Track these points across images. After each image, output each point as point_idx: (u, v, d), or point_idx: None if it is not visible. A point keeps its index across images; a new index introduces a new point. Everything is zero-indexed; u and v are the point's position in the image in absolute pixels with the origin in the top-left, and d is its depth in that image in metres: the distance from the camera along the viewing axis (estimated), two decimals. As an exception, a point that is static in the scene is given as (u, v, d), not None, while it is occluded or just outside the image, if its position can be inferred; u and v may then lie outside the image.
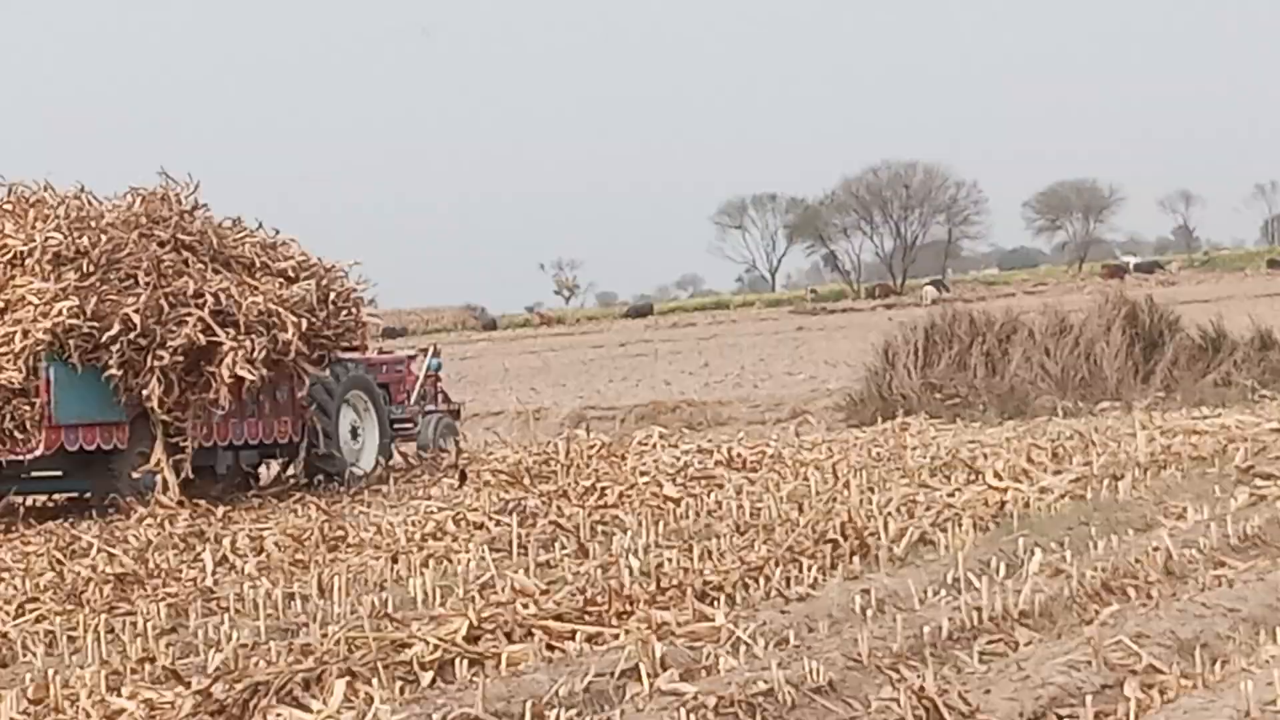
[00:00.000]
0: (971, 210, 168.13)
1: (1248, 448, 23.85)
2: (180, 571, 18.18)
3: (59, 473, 24.51)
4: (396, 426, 28.89)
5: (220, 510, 23.52)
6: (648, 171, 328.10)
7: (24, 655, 14.09)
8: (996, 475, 22.02)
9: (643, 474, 25.38)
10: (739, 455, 27.35)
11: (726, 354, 64.41)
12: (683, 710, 11.06)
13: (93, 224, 24.49)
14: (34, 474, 24.47)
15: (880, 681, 11.69)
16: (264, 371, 24.91)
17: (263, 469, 27.19)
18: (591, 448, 30.55)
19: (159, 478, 23.93)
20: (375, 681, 12.12)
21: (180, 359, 23.96)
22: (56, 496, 25.17)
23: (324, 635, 13.65)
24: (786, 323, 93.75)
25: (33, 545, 20.58)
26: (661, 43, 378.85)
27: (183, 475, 24.29)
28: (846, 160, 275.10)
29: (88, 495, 24.21)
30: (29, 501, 24.83)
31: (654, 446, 30.33)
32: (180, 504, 23.28)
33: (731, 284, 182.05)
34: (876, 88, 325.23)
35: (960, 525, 18.28)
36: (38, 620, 15.42)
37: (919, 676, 11.14)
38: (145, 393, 23.72)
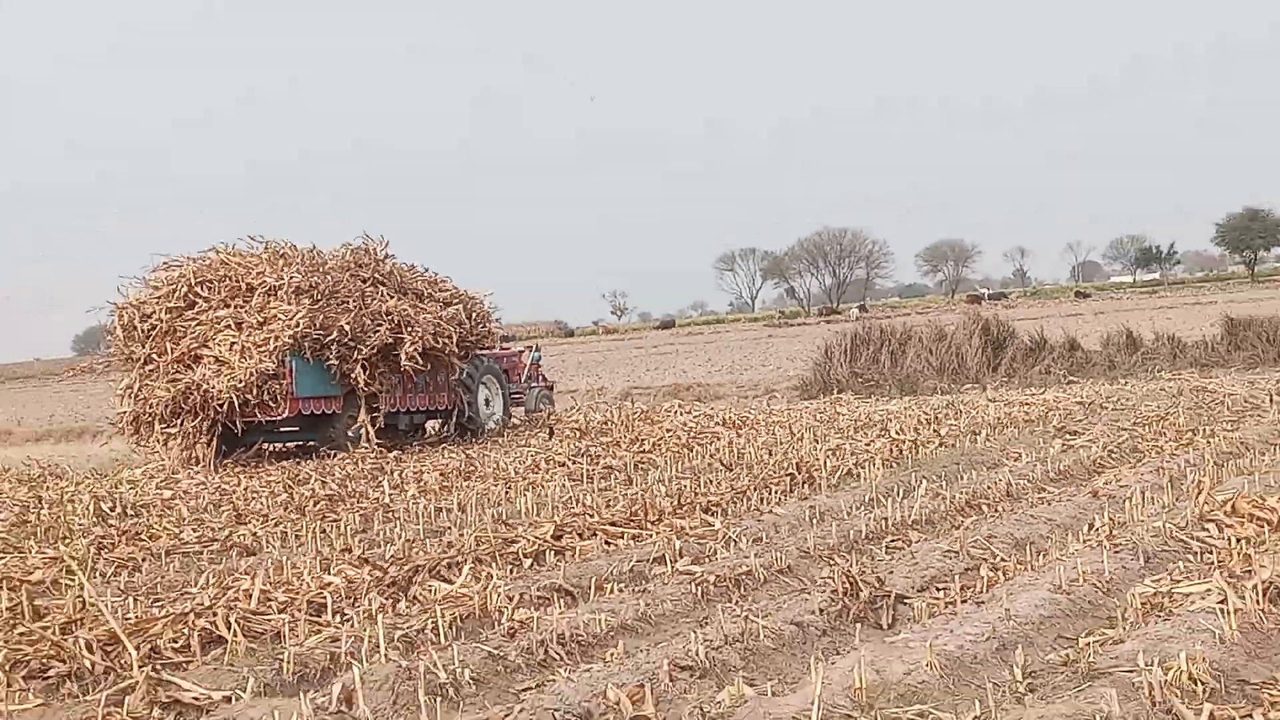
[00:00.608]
0: (881, 259, 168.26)
1: (1060, 414, 23.83)
2: (368, 493, 18.29)
3: (296, 428, 24.80)
4: (512, 398, 29.10)
5: (395, 453, 23.65)
6: (672, 229, 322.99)
7: (267, 547, 14.31)
8: (897, 432, 22.05)
9: (667, 430, 25.39)
10: (730, 418, 27.26)
11: (722, 353, 63.86)
12: (693, 585, 11.36)
13: (320, 268, 24.85)
14: (281, 429, 24.85)
15: (822, 565, 11.93)
16: (427, 365, 25.45)
17: (427, 426, 27.34)
18: (634, 414, 30.44)
19: (362, 432, 24.33)
20: (493, 565, 12.39)
21: (375, 354, 24.33)
22: (291, 445, 25.35)
23: (460, 535, 13.88)
24: (762, 333, 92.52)
25: (272, 476, 20.69)
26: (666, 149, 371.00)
27: (376, 429, 24.72)
28: (801, 226, 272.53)
29: (314, 444, 24.51)
30: (270, 448, 25.05)
31: (674, 413, 30.21)
32: (375, 448, 23.76)
33: (726, 306, 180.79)
34: (823, 175, 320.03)
35: (874, 464, 18.36)
36: (275, 525, 15.65)
37: (846, 562, 11.36)
38: (353, 376, 24.07)
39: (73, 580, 11.96)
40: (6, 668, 9.31)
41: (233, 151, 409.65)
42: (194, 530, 15.50)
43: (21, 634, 10.12)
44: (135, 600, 11.24)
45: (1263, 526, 12.11)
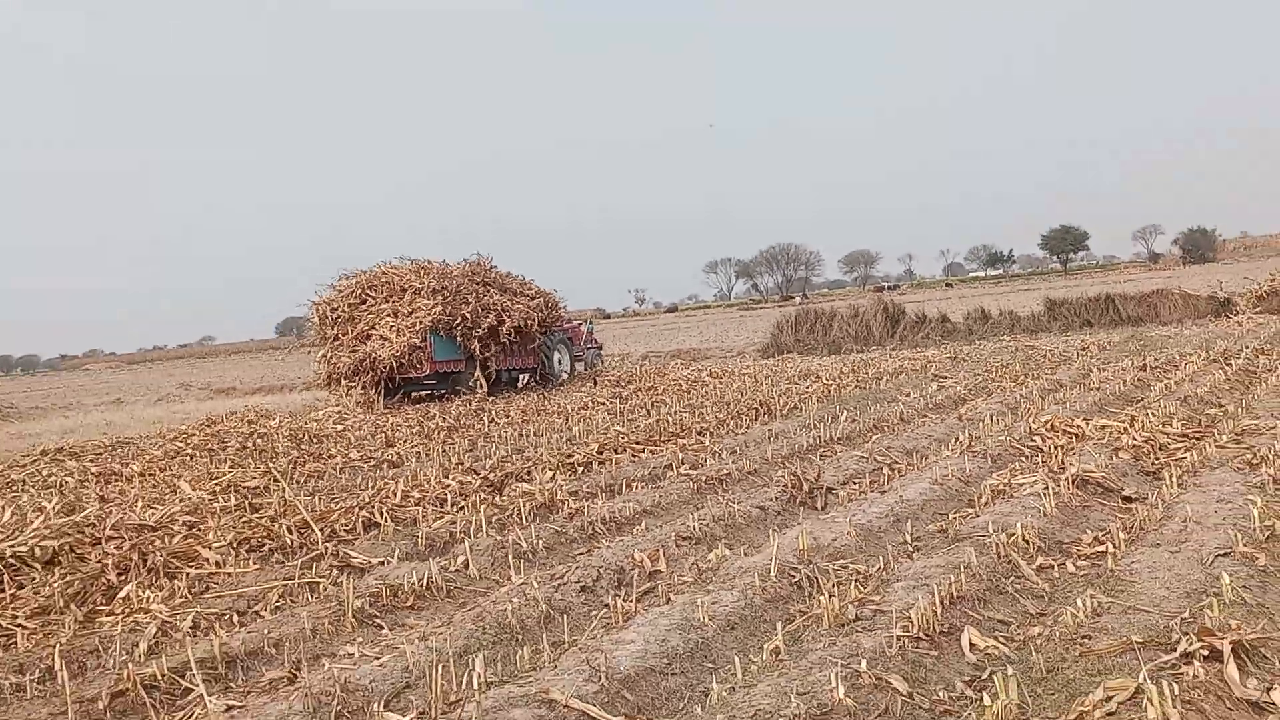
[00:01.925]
0: (815, 263, 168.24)
1: (936, 365, 23.77)
2: (474, 425, 18.35)
3: (434, 382, 25.10)
4: (575, 357, 29.21)
5: (493, 398, 23.72)
6: (676, 240, 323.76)
7: (406, 462, 14.33)
8: (827, 378, 22.05)
9: (673, 380, 25.40)
10: (714, 371, 27.31)
11: (709, 328, 63.85)
12: (691, 483, 11.37)
13: (448, 275, 25.30)
14: (424, 383, 25.12)
15: (777, 469, 11.95)
16: (519, 338, 25.91)
17: (520, 379, 27.45)
18: (650, 370, 30.53)
19: (476, 384, 24.54)
20: (558, 472, 12.42)
21: (485, 332, 24.78)
22: (431, 395, 25.53)
23: (535, 452, 13.93)
24: (737, 315, 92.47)
25: (410, 415, 20.75)
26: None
27: (490, 382, 24.98)
28: (760, 241, 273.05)
29: (445, 392, 24.75)
30: (414, 396, 25.19)
31: (677, 369, 30.29)
32: (483, 395, 24.01)
33: (711, 297, 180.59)
34: (775, 205, 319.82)
35: (811, 400, 18.36)
36: (412, 447, 15.73)
37: (794, 466, 11.39)
38: (471, 347, 24.59)
39: (277, 486, 12.06)
40: (235, 544, 9.40)
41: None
42: (357, 451, 15.57)
43: (244, 521, 10.24)
44: (319, 499, 11.31)
45: (1071, 438, 12.11)
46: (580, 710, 5.27)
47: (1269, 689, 5.07)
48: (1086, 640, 5.77)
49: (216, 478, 13.34)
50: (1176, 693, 4.63)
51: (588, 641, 6.26)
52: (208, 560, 8.95)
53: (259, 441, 17.53)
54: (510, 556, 8.62)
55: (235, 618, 7.60)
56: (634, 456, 13.65)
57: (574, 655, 5.96)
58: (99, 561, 8.74)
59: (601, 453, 13.69)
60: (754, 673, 5.68)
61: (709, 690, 5.59)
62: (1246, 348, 21.00)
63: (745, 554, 8.20)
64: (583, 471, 12.73)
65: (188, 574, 8.59)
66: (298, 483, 12.97)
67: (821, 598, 6.69)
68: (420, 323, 23.94)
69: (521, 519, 10.02)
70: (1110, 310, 34.08)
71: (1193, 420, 12.80)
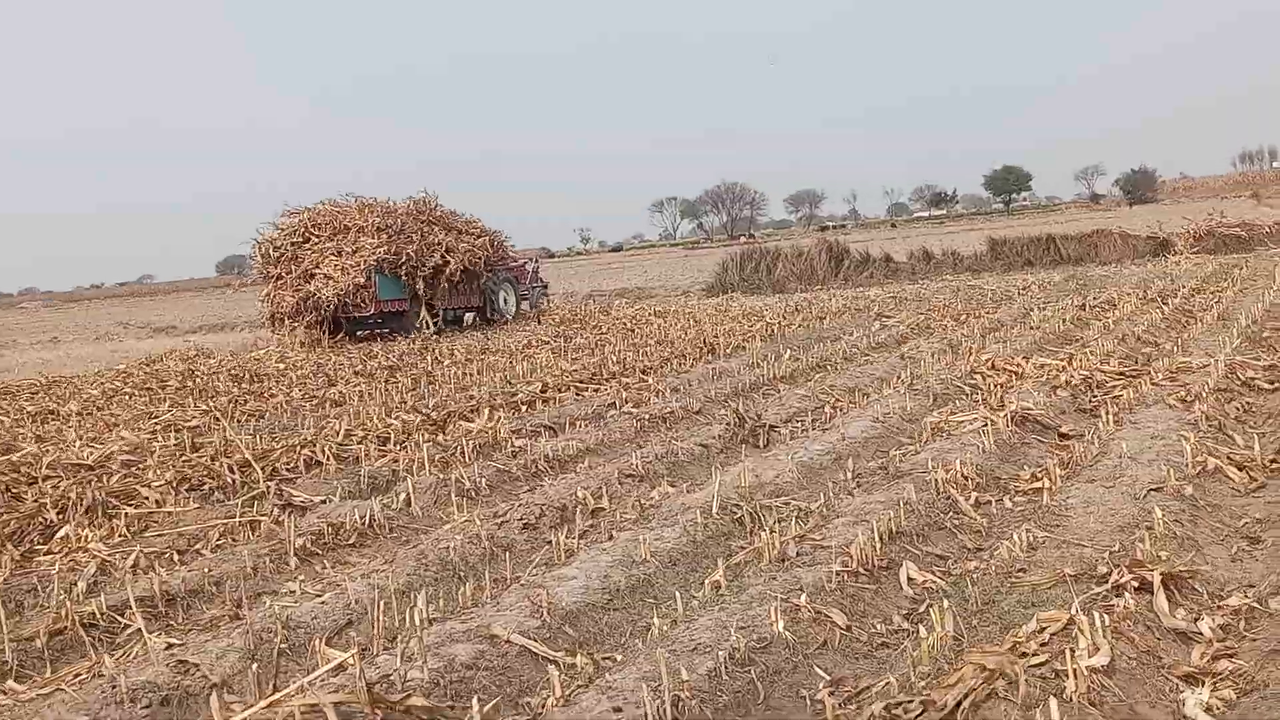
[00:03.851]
0: (761, 203, 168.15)
1: (879, 305, 23.92)
2: (417, 364, 18.25)
3: (378, 322, 24.92)
4: (520, 296, 29.01)
5: (437, 336, 23.58)
6: (622, 179, 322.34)
7: (349, 401, 14.20)
8: (771, 318, 22.10)
9: (617, 319, 25.40)
10: (659, 311, 27.34)
11: (654, 267, 63.75)
12: (634, 421, 11.41)
13: (393, 213, 25.10)
14: (368, 322, 24.93)
15: (720, 407, 11.99)
16: (464, 278, 25.73)
17: (465, 318, 27.22)
18: (595, 308, 30.51)
19: (421, 323, 24.35)
20: (501, 410, 12.41)
21: (430, 271, 24.61)
22: (371, 333, 25.29)
23: (479, 391, 13.90)
24: (682, 255, 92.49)
25: (353, 354, 20.66)
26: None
27: (434, 323, 24.75)
28: (705, 179, 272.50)
29: (389, 331, 24.55)
30: (357, 336, 24.97)
31: (622, 308, 30.28)
32: (433, 333, 23.88)
33: (656, 236, 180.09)
34: (721, 145, 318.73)
35: (755, 339, 18.39)
36: (354, 386, 15.58)
37: (737, 404, 11.43)
38: (416, 286, 24.42)
39: (218, 424, 11.96)
40: (175, 483, 9.33)
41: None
42: (300, 390, 15.47)
43: (184, 460, 10.17)
44: (260, 437, 11.24)
45: (1011, 376, 12.25)
46: (522, 645, 5.30)
47: (1196, 619, 5.19)
48: (1021, 574, 5.88)
49: (156, 417, 13.23)
50: (1107, 623, 4.72)
51: (530, 578, 6.29)
52: (147, 499, 8.88)
53: (199, 380, 17.37)
54: (453, 494, 8.62)
55: (175, 556, 7.56)
56: (578, 395, 13.65)
57: (516, 591, 5.99)
58: (36, 501, 8.66)
59: (545, 391, 13.68)
60: (695, 607, 5.73)
61: (650, 625, 5.64)
62: (1183, 287, 21.29)
63: (688, 491, 8.25)
64: (526, 410, 12.73)
65: (127, 513, 8.52)
66: (239, 422, 12.87)
67: (763, 534, 6.75)
68: (364, 262, 23.72)
69: (465, 457, 10.02)
70: (1051, 250, 34.37)
71: (1130, 359, 12.97)
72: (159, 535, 8.07)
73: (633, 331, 21.71)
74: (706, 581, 6.16)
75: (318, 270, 24.02)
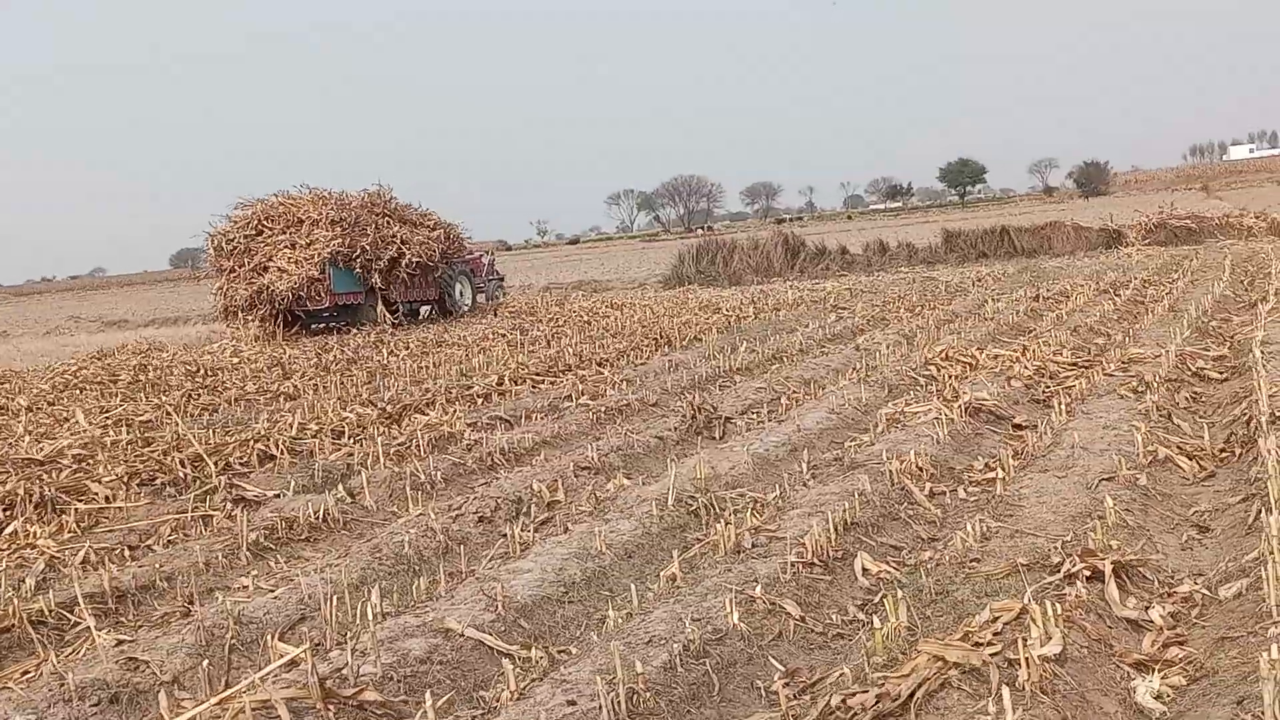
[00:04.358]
0: (718, 194, 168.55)
1: (835, 296, 24.01)
2: (372, 357, 18.15)
3: (333, 315, 24.72)
4: (476, 289, 28.86)
5: (392, 330, 23.40)
6: (579, 172, 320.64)
7: (303, 395, 14.15)
8: (727, 310, 22.12)
9: (573, 312, 25.35)
10: (616, 303, 27.31)
11: (611, 260, 63.68)
12: (590, 413, 11.40)
13: (347, 206, 24.90)
14: (322, 315, 24.71)
15: (676, 399, 11.99)
16: (420, 271, 25.57)
17: (420, 311, 27.04)
18: (551, 301, 30.45)
19: (376, 316, 24.19)
20: (457, 403, 12.38)
21: (385, 264, 24.47)
22: (325, 326, 25.04)
23: (434, 384, 13.84)
24: (639, 247, 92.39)
25: (308, 347, 20.49)
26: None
27: (391, 315, 24.57)
28: (661, 173, 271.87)
29: (344, 324, 24.30)
30: (313, 328, 24.75)
31: (578, 300, 30.22)
32: (390, 326, 23.70)
33: (614, 229, 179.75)
34: (681, 141, 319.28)
35: (711, 332, 18.44)
36: (309, 379, 15.54)
37: (693, 396, 11.42)
38: (371, 279, 24.30)
39: (170, 419, 11.85)
40: (126, 478, 9.23)
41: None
42: (253, 384, 15.37)
43: (136, 455, 10.06)
44: (213, 432, 11.14)
45: (965, 367, 12.33)
46: (476, 639, 5.27)
47: (1148, 608, 5.23)
48: (975, 563, 5.90)
49: (107, 411, 13.08)
50: (1059, 612, 4.74)
51: (485, 571, 6.25)
52: (97, 495, 8.77)
53: (152, 375, 17.20)
54: (408, 488, 8.57)
55: (126, 552, 7.46)
56: (534, 388, 13.62)
57: (471, 585, 5.95)
58: (-16, 497, 8.53)
59: (501, 384, 13.64)
60: (650, 600, 5.72)
61: (605, 618, 5.62)
62: (1135, 279, 21.50)
63: (644, 483, 8.24)
64: (482, 403, 12.69)
65: (77, 509, 8.41)
66: (191, 416, 12.77)
67: (718, 526, 6.74)
68: (319, 254, 23.59)
69: (420, 451, 9.97)
70: (1005, 242, 34.63)
71: (1082, 349, 13.08)
72: (109, 531, 7.97)
73: (589, 324, 21.69)
74: (662, 574, 6.14)
75: (271, 263, 23.87)
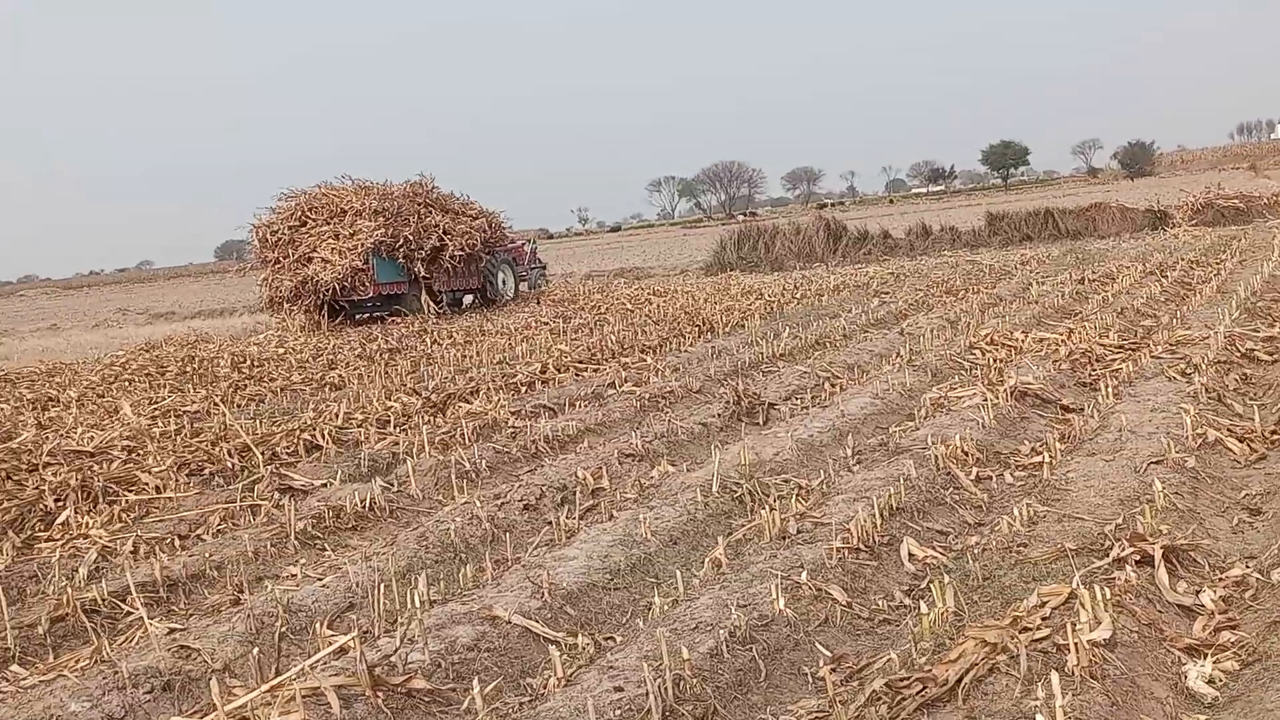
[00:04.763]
0: (759, 180, 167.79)
1: (878, 281, 23.87)
2: (416, 346, 18.24)
3: (377, 305, 24.82)
4: (519, 278, 28.85)
5: (436, 318, 23.43)
6: (620, 159, 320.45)
7: (349, 384, 14.25)
8: (770, 295, 22.04)
9: (616, 299, 25.34)
10: (658, 290, 27.25)
11: (652, 247, 63.61)
12: (634, 400, 11.41)
13: (390, 196, 24.91)
14: (366, 305, 24.81)
15: (719, 385, 11.98)
16: (462, 260, 25.53)
17: (464, 300, 27.06)
18: (593, 288, 30.46)
19: (420, 305, 24.23)
20: (501, 392, 12.40)
21: (428, 254, 24.51)
22: (369, 317, 25.11)
23: (478, 373, 13.88)
24: (680, 234, 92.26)
25: (352, 337, 20.60)
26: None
27: (435, 305, 24.60)
28: (702, 160, 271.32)
29: (388, 314, 24.37)
30: (357, 318, 24.84)
31: (620, 287, 30.19)
32: (434, 315, 23.72)
33: (655, 216, 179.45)
34: (722, 127, 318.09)
35: (754, 318, 18.39)
36: (354, 369, 15.64)
37: (736, 382, 11.41)
38: (414, 269, 24.31)
39: (218, 409, 11.95)
40: (175, 468, 9.32)
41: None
42: (299, 374, 15.47)
43: (184, 446, 10.15)
44: (260, 422, 11.23)
45: (1010, 350, 12.24)
46: (523, 626, 5.29)
47: (1198, 592, 5.18)
48: (1022, 548, 5.85)
49: (156, 402, 13.21)
50: (1108, 597, 4.70)
51: (531, 559, 6.28)
52: (147, 485, 8.87)
53: (199, 366, 17.35)
54: (453, 476, 8.61)
55: (176, 541, 7.55)
56: (577, 375, 13.64)
57: (517, 572, 5.97)
58: (36, 488, 8.64)
59: (545, 372, 13.66)
60: (695, 586, 5.72)
61: (651, 604, 5.63)
62: (1182, 260, 21.26)
63: (688, 470, 8.24)
64: (526, 391, 12.72)
65: (127, 499, 8.52)
66: (238, 406, 12.87)
67: (763, 511, 6.73)
68: (362, 245, 23.59)
69: (464, 439, 10.00)
70: (1049, 224, 34.32)
71: (1129, 332, 12.95)
72: (159, 521, 8.06)
73: (632, 311, 21.66)
74: (707, 560, 6.14)
75: (315, 254, 23.91)
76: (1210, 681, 4.37)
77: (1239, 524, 6.35)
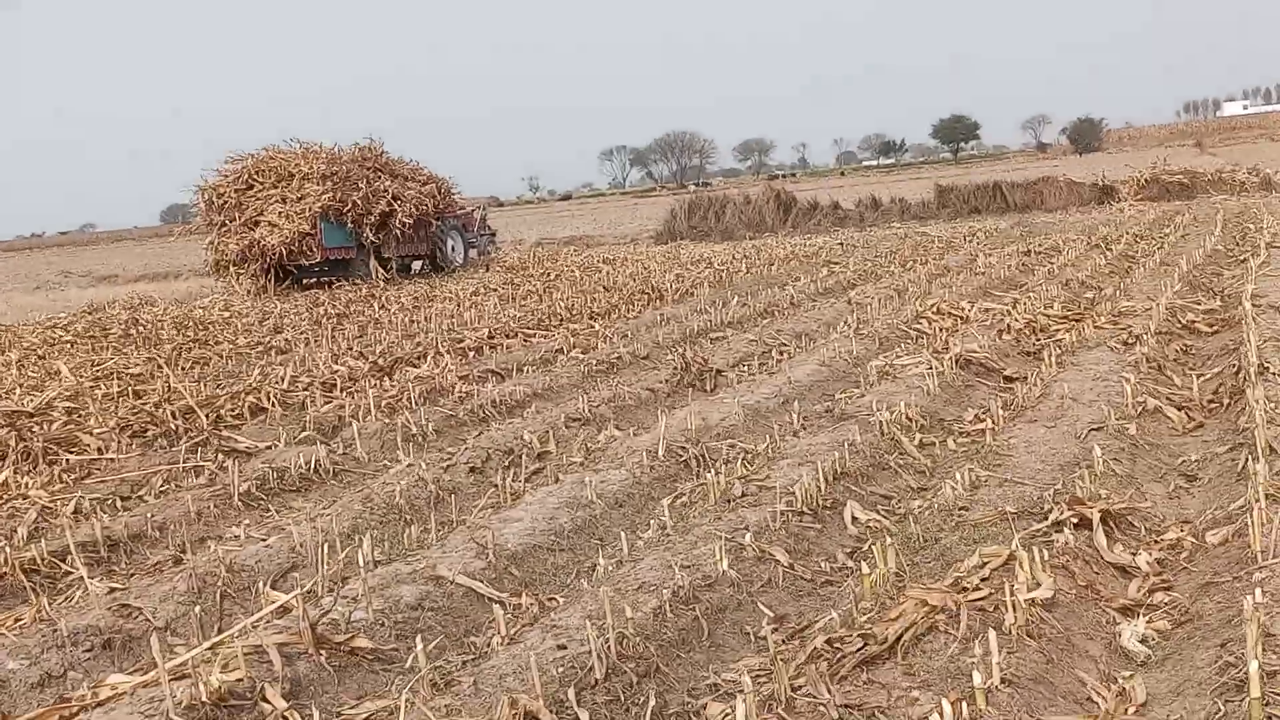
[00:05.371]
0: (710, 151, 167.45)
1: (827, 251, 23.93)
2: (364, 311, 18.16)
3: (325, 270, 24.59)
4: (469, 244, 28.67)
5: (383, 284, 23.26)
6: (572, 128, 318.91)
7: (295, 348, 14.15)
8: (719, 264, 22.04)
9: (565, 266, 25.25)
10: (607, 257, 27.19)
11: (604, 216, 63.42)
12: (581, 366, 11.40)
13: (338, 160, 24.64)
14: (313, 270, 24.58)
15: (667, 352, 11.97)
16: (412, 225, 25.25)
17: (413, 266, 26.87)
18: (543, 255, 30.35)
19: (368, 271, 24.04)
20: (448, 356, 12.34)
21: (377, 219, 24.26)
22: (317, 281, 24.85)
23: (426, 337, 13.83)
24: (632, 203, 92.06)
25: (300, 301, 20.48)
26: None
27: (383, 270, 24.40)
28: (654, 130, 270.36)
29: (336, 279, 24.14)
30: (305, 283, 24.59)
31: (570, 255, 30.09)
32: (383, 281, 23.53)
33: (606, 185, 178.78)
34: (675, 92, 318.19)
35: (703, 286, 18.41)
36: (301, 333, 15.53)
37: (684, 349, 11.43)
38: (363, 234, 24.09)
39: (162, 372, 11.84)
40: (117, 429, 9.23)
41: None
42: (245, 338, 15.34)
43: (128, 408, 10.05)
44: (204, 385, 11.14)
45: (956, 320, 12.32)
46: (467, 586, 5.30)
47: (1135, 554, 5.27)
48: (964, 512, 5.92)
49: (98, 365, 13.06)
50: (1047, 558, 4.78)
51: (476, 520, 6.28)
52: (89, 446, 8.78)
53: (142, 329, 17.16)
54: (399, 439, 8.58)
55: (118, 503, 7.49)
56: (525, 341, 13.61)
57: (462, 534, 5.97)
58: (-26, 448, 8.54)
59: (493, 337, 13.63)
60: (640, 548, 5.75)
61: (596, 565, 5.65)
62: (1126, 234, 21.47)
63: (634, 435, 8.26)
64: (474, 356, 12.66)
65: (68, 460, 8.43)
66: (183, 369, 12.75)
67: (708, 475, 6.77)
68: (310, 209, 23.34)
69: (411, 403, 9.96)
70: (998, 197, 34.53)
71: (1073, 303, 13.08)
72: (101, 482, 7.99)
73: (581, 278, 21.60)
74: (652, 522, 6.17)
75: (262, 217, 23.65)
76: (1143, 641, 4.46)
77: (1175, 489, 6.47)
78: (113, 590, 5.62)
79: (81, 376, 12.05)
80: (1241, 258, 16.03)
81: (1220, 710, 3.68)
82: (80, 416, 9.77)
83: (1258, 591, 4.15)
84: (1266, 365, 8.17)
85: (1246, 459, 6.17)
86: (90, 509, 7.23)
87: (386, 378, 11.40)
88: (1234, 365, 8.78)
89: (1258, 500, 5.13)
